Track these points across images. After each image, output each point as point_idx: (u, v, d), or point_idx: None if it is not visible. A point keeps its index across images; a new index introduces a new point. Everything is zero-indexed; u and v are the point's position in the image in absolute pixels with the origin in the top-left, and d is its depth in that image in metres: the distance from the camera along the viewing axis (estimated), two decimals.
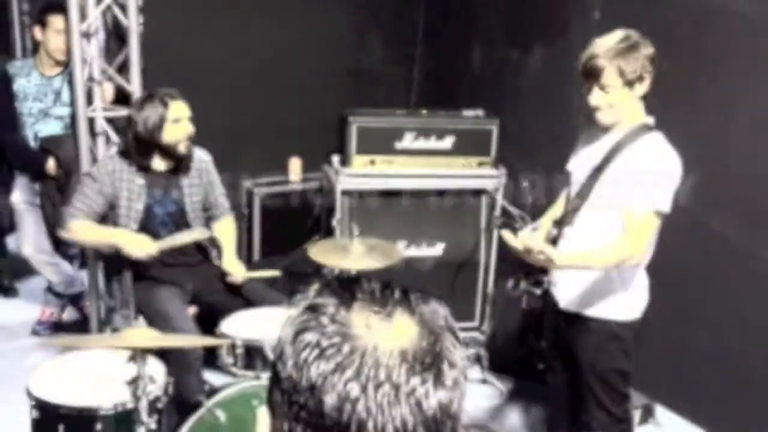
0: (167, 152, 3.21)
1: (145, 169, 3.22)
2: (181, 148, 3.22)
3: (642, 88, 2.45)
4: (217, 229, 3.48)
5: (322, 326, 0.77)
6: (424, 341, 0.78)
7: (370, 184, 4.07)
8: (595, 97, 2.46)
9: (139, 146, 3.19)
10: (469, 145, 4.18)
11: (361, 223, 3.52)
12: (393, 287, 0.83)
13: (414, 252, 4.22)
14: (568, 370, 2.82)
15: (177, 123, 3.17)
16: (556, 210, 2.81)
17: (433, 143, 4.14)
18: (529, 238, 2.49)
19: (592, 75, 2.43)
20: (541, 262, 2.44)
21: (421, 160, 4.14)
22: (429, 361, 0.77)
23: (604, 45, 2.42)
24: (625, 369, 2.69)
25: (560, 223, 2.66)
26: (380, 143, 4.09)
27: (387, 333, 0.77)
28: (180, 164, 3.28)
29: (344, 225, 4.01)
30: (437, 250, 4.27)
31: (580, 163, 2.67)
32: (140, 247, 3.09)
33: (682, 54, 3.40)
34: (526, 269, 2.71)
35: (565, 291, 2.70)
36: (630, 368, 2.70)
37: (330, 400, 0.74)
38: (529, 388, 3.76)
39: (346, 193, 4.06)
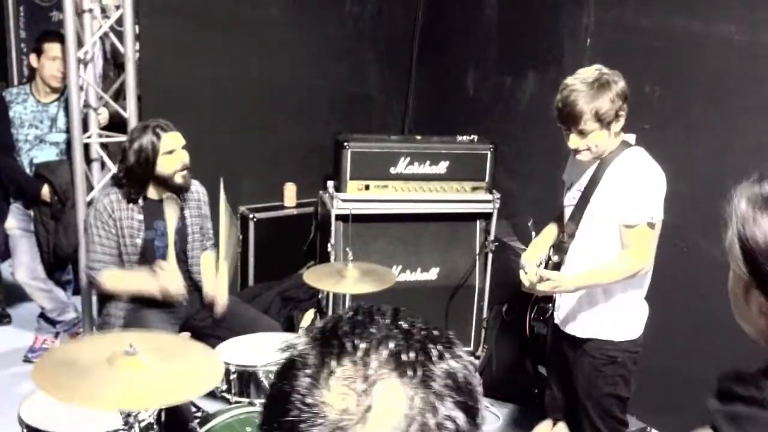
0: (163, 183, 3.21)
1: (142, 198, 3.21)
2: (178, 179, 3.20)
3: (618, 125, 2.50)
4: (203, 259, 3.44)
5: (297, 407, 0.69)
6: (413, 419, 0.68)
7: (364, 209, 4.08)
8: (574, 141, 2.52)
9: (134, 178, 3.18)
10: (463, 169, 4.20)
11: (356, 247, 3.53)
12: (382, 347, 0.71)
13: (408, 277, 4.22)
14: (567, 394, 2.82)
15: (170, 154, 3.17)
16: (543, 240, 2.84)
17: (427, 168, 4.15)
18: (535, 270, 2.54)
19: (569, 121, 2.47)
20: (548, 290, 2.48)
21: (416, 185, 4.15)
22: None
23: (578, 89, 2.43)
24: (621, 395, 2.69)
25: (559, 249, 2.70)
26: (375, 168, 4.11)
27: (367, 413, 0.68)
28: (178, 192, 3.28)
29: (339, 250, 4.01)
30: (432, 274, 4.26)
31: (571, 189, 2.73)
32: (169, 285, 3.05)
33: (675, 80, 3.44)
34: (530, 300, 2.76)
35: (565, 313, 2.73)
36: (627, 394, 2.70)
37: None
38: (525, 413, 3.74)
39: (340, 218, 4.07)
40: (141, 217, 3.18)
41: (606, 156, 2.56)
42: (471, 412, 0.71)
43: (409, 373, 0.69)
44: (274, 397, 0.73)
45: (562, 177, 2.88)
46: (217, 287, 3.30)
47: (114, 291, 3.17)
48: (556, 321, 2.77)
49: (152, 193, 3.24)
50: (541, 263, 2.66)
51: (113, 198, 3.18)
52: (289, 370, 0.72)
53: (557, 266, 2.67)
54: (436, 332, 0.75)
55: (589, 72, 2.48)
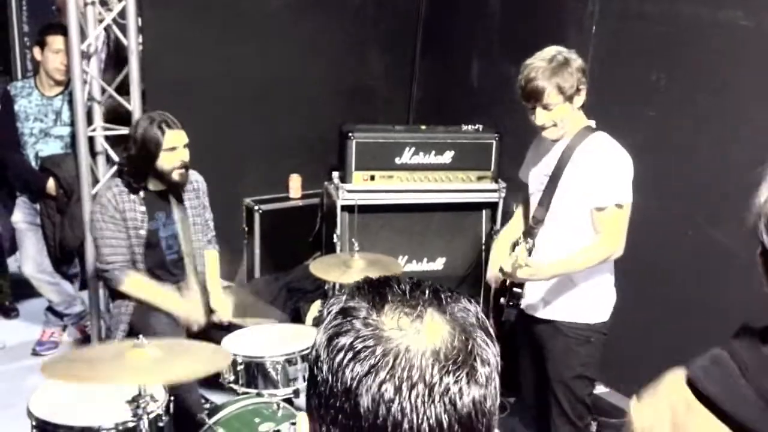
0: (160, 177, 3.22)
1: (143, 189, 3.22)
2: (175, 176, 3.21)
3: (580, 99, 2.58)
4: (207, 257, 3.45)
5: (356, 330, 0.78)
6: (455, 340, 0.78)
7: (370, 199, 4.07)
8: (540, 117, 2.58)
9: (134, 168, 3.20)
10: (468, 159, 4.19)
11: (362, 238, 3.52)
12: (423, 287, 0.84)
13: (415, 267, 4.21)
14: (535, 379, 2.86)
15: (172, 151, 3.17)
16: (513, 227, 2.91)
17: (432, 158, 4.14)
18: (512, 257, 2.58)
19: (533, 97, 2.55)
20: (524, 277, 2.53)
21: (421, 175, 4.14)
22: (461, 359, 0.77)
23: (539, 66, 2.54)
24: (591, 377, 2.74)
25: (528, 235, 2.73)
26: (380, 159, 4.10)
27: (418, 333, 0.77)
28: (174, 188, 3.29)
29: (345, 241, 4.01)
30: (438, 264, 4.26)
31: (535, 174, 2.79)
32: (191, 314, 3.11)
33: (679, 67, 3.42)
34: (503, 285, 2.77)
35: (535, 298, 2.75)
36: (595, 377, 2.75)
37: (365, 402, 0.75)
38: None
39: (346, 208, 4.06)
40: (143, 208, 3.20)
41: (571, 141, 2.61)
42: (493, 340, 0.82)
43: (449, 309, 0.82)
44: (334, 331, 0.80)
45: (519, 176, 2.95)
46: (220, 305, 3.30)
47: (132, 295, 3.18)
48: (523, 306, 2.78)
49: (152, 185, 3.25)
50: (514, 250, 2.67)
51: (115, 191, 3.19)
52: (340, 313, 0.81)
53: (529, 252, 2.67)
54: None
55: (547, 51, 2.58)
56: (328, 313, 0.83)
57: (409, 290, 0.83)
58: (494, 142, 4.19)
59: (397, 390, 0.74)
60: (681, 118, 3.38)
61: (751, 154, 3.16)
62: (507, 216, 4.22)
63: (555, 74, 2.51)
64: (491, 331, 0.83)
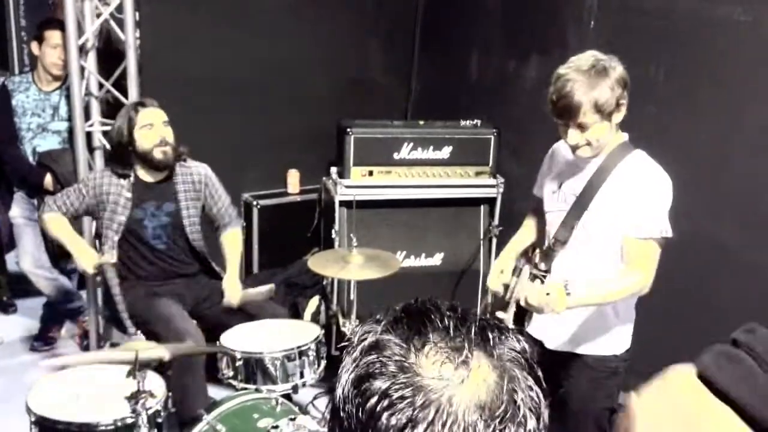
0: (145, 159, 3.23)
1: (130, 177, 3.25)
2: (157, 154, 3.22)
3: (619, 115, 2.26)
4: (223, 240, 3.48)
5: (391, 374, 0.72)
6: (502, 390, 0.72)
7: (368, 195, 4.07)
8: (573, 137, 2.25)
9: (117, 154, 3.25)
10: (467, 154, 4.19)
11: (360, 233, 3.52)
12: (469, 322, 0.77)
13: (413, 262, 4.21)
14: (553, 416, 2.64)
15: (148, 128, 3.20)
16: (521, 238, 2.65)
17: (430, 153, 4.14)
18: (527, 285, 2.23)
19: (566, 115, 2.21)
20: (543, 307, 2.20)
21: (419, 171, 4.13)
22: (509, 415, 0.72)
23: (575, 79, 2.18)
24: (615, 407, 2.58)
25: (547, 257, 2.43)
26: (378, 154, 4.09)
27: (462, 383, 0.71)
28: (168, 173, 3.30)
29: (343, 236, 4.01)
30: (436, 260, 4.26)
31: (559, 192, 2.48)
32: (85, 261, 3.14)
33: (679, 62, 3.41)
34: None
35: (555, 330, 2.50)
36: (617, 405, 2.61)
37: None
38: None
39: (344, 204, 4.06)
40: (129, 195, 3.22)
41: (606, 159, 2.32)
42: (542, 385, 0.76)
43: (497, 351, 0.75)
44: (365, 371, 0.73)
45: (533, 192, 2.67)
46: (230, 289, 3.28)
47: (46, 229, 3.31)
48: (540, 337, 2.51)
49: (143, 174, 3.27)
50: (520, 270, 2.28)
51: (106, 173, 3.27)
52: (373, 348, 0.75)
53: (545, 274, 2.40)
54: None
55: (584, 59, 2.22)
56: (359, 342, 0.76)
57: (453, 327, 0.75)
58: (493, 137, 4.18)
59: None
60: (680, 113, 3.38)
61: (750, 148, 3.16)
62: (505, 211, 4.24)
63: (592, 88, 2.15)
64: (539, 373, 0.77)
